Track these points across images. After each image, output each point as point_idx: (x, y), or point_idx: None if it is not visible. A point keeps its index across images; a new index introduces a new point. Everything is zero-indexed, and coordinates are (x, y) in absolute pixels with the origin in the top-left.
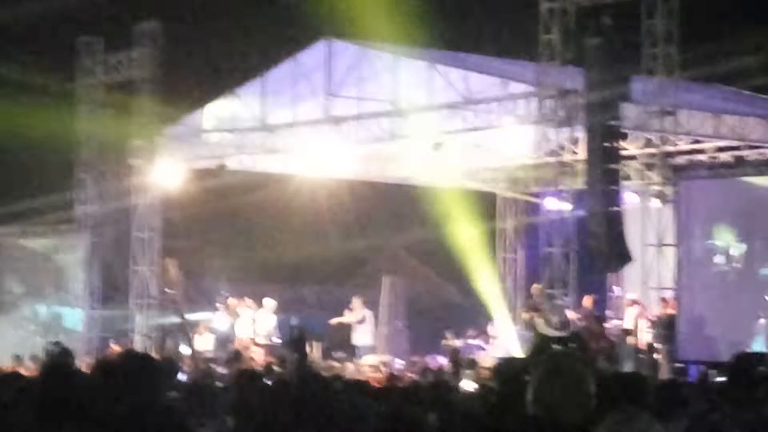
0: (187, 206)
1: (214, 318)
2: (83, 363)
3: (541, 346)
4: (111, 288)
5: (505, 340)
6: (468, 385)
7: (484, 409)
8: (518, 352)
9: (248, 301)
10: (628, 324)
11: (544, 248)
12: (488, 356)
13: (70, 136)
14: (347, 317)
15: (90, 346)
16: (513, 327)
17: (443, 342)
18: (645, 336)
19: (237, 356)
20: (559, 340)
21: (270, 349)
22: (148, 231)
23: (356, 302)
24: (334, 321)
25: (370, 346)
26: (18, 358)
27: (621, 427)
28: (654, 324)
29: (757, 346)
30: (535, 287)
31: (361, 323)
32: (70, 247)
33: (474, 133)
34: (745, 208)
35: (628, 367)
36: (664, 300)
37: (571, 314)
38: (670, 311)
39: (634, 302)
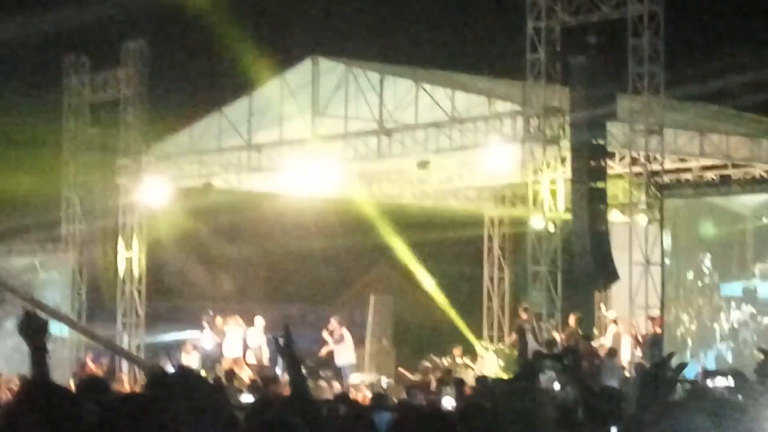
0: (173, 225)
1: (201, 337)
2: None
3: (532, 363)
4: (97, 307)
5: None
6: (448, 402)
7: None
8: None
9: (238, 319)
10: (609, 342)
11: (530, 267)
12: (475, 375)
13: (56, 155)
14: (330, 344)
15: (75, 360)
16: (491, 349)
17: (424, 364)
18: (627, 354)
19: (230, 376)
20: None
21: (259, 368)
22: (134, 250)
23: (333, 322)
24: (324, 352)
25: (354, 365)
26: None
27: None
28: (639, 342)
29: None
30: (523, 306)
31: (339, 343)
32: (56, 265)
33: (460, 152)
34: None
35: (612, 385)
36: (650, 318)
37: (555, 335)
38: (657, 329)
39: (615, 321)
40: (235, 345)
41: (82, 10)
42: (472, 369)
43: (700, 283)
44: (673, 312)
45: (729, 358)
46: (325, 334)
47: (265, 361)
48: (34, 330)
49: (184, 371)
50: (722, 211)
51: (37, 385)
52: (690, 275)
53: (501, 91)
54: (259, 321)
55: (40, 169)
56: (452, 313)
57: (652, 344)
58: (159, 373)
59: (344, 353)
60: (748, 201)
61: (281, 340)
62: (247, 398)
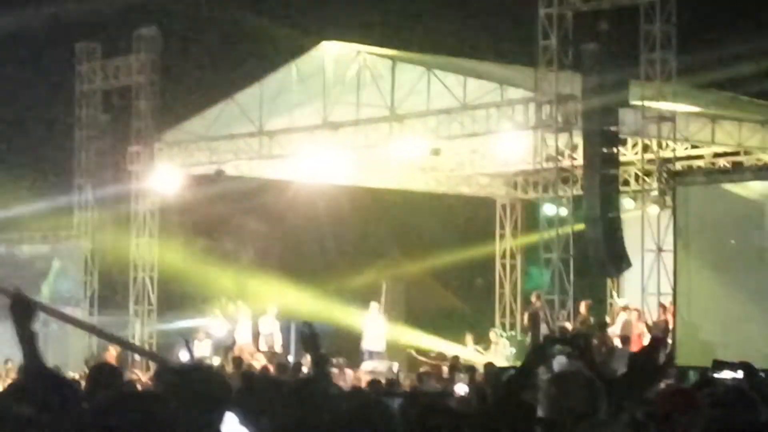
0: (185, 212)
1: (213, 324)
2: (80, 370)
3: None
4: (110, 294)
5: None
6: (461, 389)
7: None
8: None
9: (246, 306)
10: (619, 330)
11: (543, 254)
12: (487, 362)
13: (69, 142)
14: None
15: (89, 351)
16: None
17: (436, 354)
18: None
19: (238, 362)
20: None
21: (270, 355)
22: (147, 236)
23: (374, 307)
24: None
25: (382, 353)
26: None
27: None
28: (651, 329)
29: None
30: (536, 293)
31: (375, 328)
32: (68, 252)
33: (472, 139)
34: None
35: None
36: (662, 305)
37: (566, 324)
38: (668, 317)
39: (626, 308)
40: (246, 332)
41: None
42: (483, 355)
43: None
44: None
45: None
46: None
47: (277, 348)
48: (20, 313)
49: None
50: None
51: (30, 372)
52: None
53: (513, 77)
54: (272, 309)
55: (52, 156)
56: (464, 300)
57: (664, 331)
58: (165, 369)
59: (375, 340)
60: None
61: (306, 331)
62: None
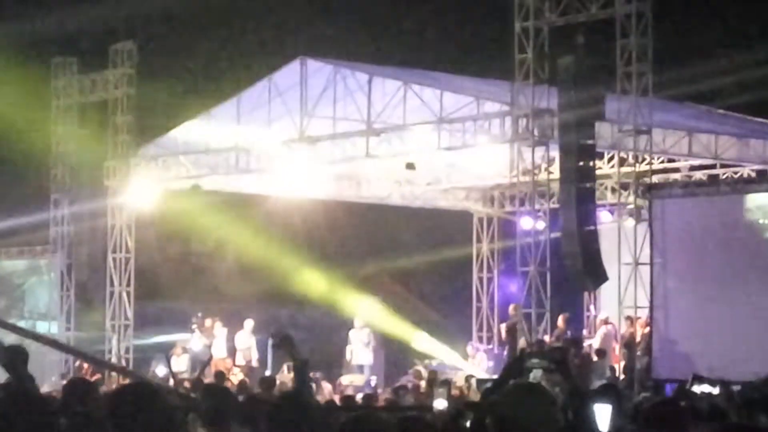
0: (161, 226)
1: (190, 339)
2: (56, 384)
3: (519, 360)
4: (85, 309)
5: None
6: (440, 404)
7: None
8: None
9: (217, 322)
10: (598, 343)
11: (519, 267)
12: (463, 375)
13: (45, 156)
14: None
15: (65, 367)
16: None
17: (414, 368)
18: (617, 355)
19: (219, 377)
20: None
21: (248, 370)
22: (123, 251)
23: (359, 322)
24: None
25: (371, 366)
26: None
27: None
28: (627, 343)
29: None
30: (513, 306)
31: (368, 344)
32: (44, 267)
33: (448, 153)
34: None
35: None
36: (629, 318)
37: (545, 338)
38: (644, 330)
39: (605, 322)
40: (222, 347)
41: (71, 12)
42: (461, 369)
43: None
44: None
45: None
46: (352, 334)
47: (254, 363)
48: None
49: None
50: None
51: (13, 394)
52: None
53: (489, 91)
54: (248, 323)
55: (28, 171)
56: (441, 315)
57: (628, 346)
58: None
59: (363, 353)
60: None
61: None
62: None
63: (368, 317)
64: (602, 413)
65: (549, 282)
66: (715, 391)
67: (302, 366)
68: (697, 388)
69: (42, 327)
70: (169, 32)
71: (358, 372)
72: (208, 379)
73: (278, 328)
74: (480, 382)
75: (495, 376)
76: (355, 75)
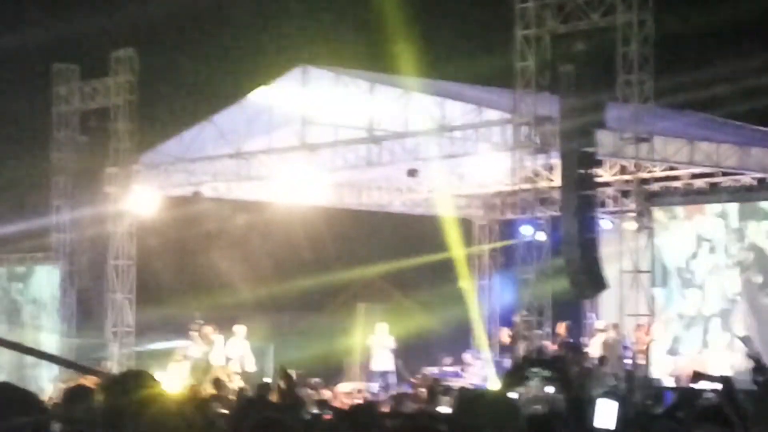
0: (162, 233)
1: (190, 346)
2: (56, 391)
3: (519, 368)
4: (86, 316)
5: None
6: (445, 410)
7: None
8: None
9: (211, 328)
10: (595, 351)
11: (520, 275)
12: (464, 384)
13: (45, 163)
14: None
15: (65, 373)
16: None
17: (416, 377)
18: (617, 362)
19: (218, 384)
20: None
21: (246, 377)
22: (124, 258)
23: (381, 327)
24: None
25: (392, 372)
26: None
27: None
28: (629, 350)
29: None
30: (517, 315)
31: (384, 348)
32: (45, 274)
33: (450, 160)
34: None
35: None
36: (639, 326)
37: (547, 343)
38: (645, 337)
39: (603, 329)
40: (221, 354)
41: (72, 19)
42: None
43: None
44: None
45: None
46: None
47: (249, 368)
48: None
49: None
50: None
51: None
52: None
53: (490, 99)
54: (240, 329)
55: (29, 178)
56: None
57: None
58: None
59: (386, 360)
60: None
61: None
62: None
63: (367, 323)
64: (609, 410)
65: (549, 289)
66: (718, 387)
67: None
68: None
69: (42, 335)
70: (171, 39)
71: (379, 379)
72: (207, 386)
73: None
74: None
75: (484, 385)
76: (357, 82)
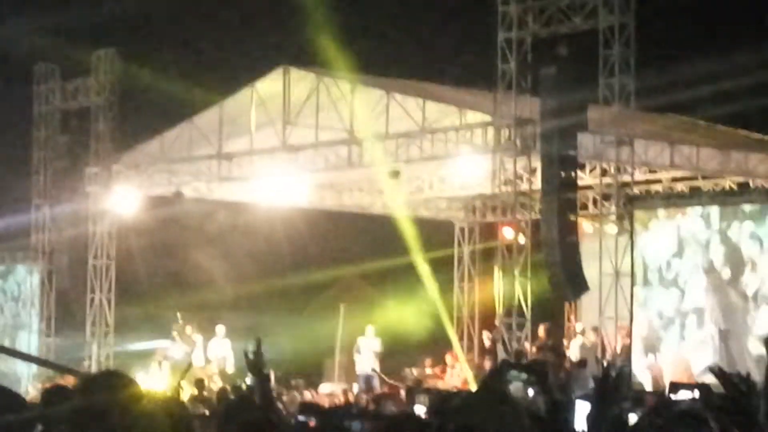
0: (143, 233)
1: (171, 346)
2: (34, 390)
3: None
4: (66, 315)
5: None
6: (420, 410)
7: None
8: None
9: (192, 329)
10: (575, 354)
11: (501, 277)
12: (444, 385)
13: (26, 163)
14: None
15: (44, 373)
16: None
17: (396, 378)
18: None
19: (200, 385)
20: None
21: (224, 375)
22: (104, 258)
23: (369, 330)
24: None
25: (373, 375)
26: None
27: None
28: (608, 353)
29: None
30: (498, 318)
31: (370, 351)
32: (25, 273)
33: (431, 162)
34: None
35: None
36: (620, 329)
37: (527, 346)
38: (625, 340)
39: (582, 332)
40: (202, 354)
41: (53, 19)
42: (442, 380)
43: None
44: None
45: None
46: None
47: (229, 369)
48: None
49: None
50: None
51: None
52: None
53: (472, 101)
54: (221, 329)
55: (9, 177)
56: (423, 323)
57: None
58: None
59: (372, 362)
60: None
61: (250, 353)
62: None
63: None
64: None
65: (530, 292)
66: (695, 395)
67: (264, 385)
68: (677, 396)
69: (21, 334)
70: (152, 40)
71: (363, 381)
72: (188, 387)
73: (255, 345)
74: (450, 395)
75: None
76: (338, 84)
